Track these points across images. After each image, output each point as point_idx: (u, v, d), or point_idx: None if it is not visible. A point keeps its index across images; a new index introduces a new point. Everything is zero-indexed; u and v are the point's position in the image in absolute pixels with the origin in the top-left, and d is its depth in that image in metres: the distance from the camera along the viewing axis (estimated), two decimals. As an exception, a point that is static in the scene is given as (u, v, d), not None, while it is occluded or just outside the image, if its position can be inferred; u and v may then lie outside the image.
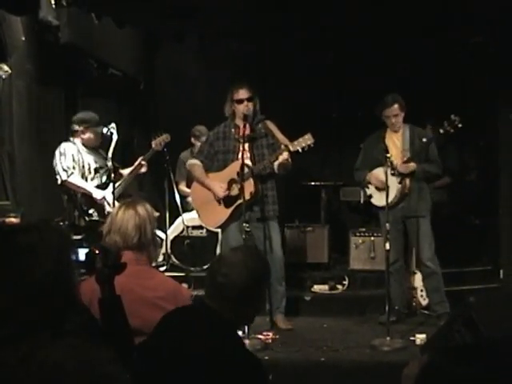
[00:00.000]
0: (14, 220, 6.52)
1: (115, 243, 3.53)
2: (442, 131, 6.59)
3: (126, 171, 7.14)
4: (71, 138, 6.99)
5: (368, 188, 7.05)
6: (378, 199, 6.94)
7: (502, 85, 7.50)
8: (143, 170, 7.14)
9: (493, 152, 7.90)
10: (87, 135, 6.96)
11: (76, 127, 6.95)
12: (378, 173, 6.84)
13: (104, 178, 7.01)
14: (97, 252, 2.71)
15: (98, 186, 6.94)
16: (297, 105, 9.03)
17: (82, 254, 2.66)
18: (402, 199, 6.87)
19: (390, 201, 6.70)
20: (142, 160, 7.09)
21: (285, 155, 6.39)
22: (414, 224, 6.91)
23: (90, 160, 6.97)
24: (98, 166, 7.01)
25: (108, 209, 6.76)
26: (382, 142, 6.94)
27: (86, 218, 6.82)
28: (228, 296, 2.89)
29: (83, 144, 6.96)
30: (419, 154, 6.80)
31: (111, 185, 6.79)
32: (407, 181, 6.84)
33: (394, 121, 6.93)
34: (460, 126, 6.49)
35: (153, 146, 7.21)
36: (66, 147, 6.89)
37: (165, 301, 3.42)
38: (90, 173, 6.96)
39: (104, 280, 2.71)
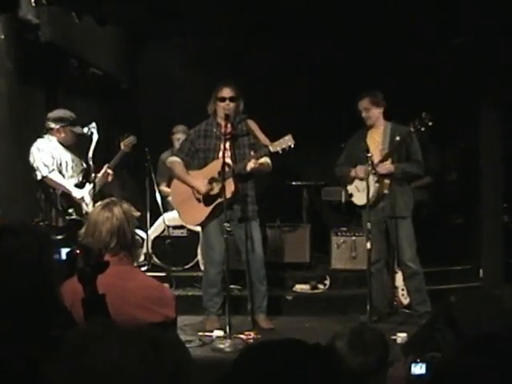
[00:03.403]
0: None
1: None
2: (412, 129, 6.61)
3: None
4: (46, 136, 6.81)
5: (350, 184, 6.99)
6: (358, 198, 6.95)
7: (483, 85, 7.56)
8: (109, 178, 6.95)
9: (473, 152, 7.93)
10: (63, 134, 6.79)
11: (52, 125, 6.77)
12: (362, 168, 6.81)
13: (80, 177, 6.88)
14: (78, 251, 2.67)
15: (75, 185, 6.83)
16: (280, 104, 9.03)
17: (63, 253, 2.64)
18: (381, 199, 6.85)
19: (366, 200, 6.75)
20: (108, 168, 6.91)
21: (251, 164, 6.44)
22: (394, 225, 6.87)
23: (67, 158, 6.83)
24: (74, 164, 6.88)
25: (85, 208, 6.71)
26: (363, 139, 6.94)
27: (66, 218, 6.69)
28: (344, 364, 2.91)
29: (59, 142, 6.81)
30: (395, 153, 6.77)
31: (87, 184, 6.75)
32: (386, 180, 6.81)
33: (365, 115, 6.90)
34: (430, 124, 6.48)
35: (122, 147, 7.08)
36: (43, 143, 6.73)
37: (149, 301, 3.39)
38: (67, 171, 6.81)
39: (86, 279, 2.67)
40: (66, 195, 6.75)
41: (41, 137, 6.82)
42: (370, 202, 6.75)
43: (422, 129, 6.57)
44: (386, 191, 6.83)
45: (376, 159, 6.76)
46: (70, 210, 6.75)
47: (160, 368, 1.49)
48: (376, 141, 6.93)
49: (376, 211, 6.85)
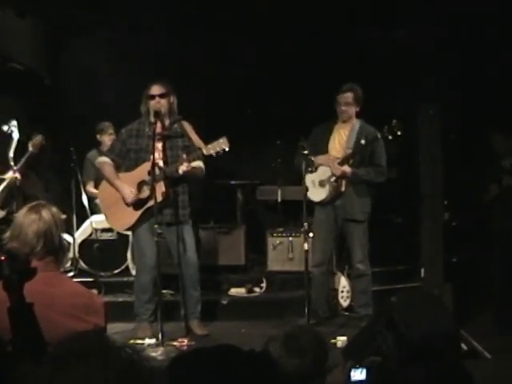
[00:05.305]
0: None
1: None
2: (379, 136, 6.58)
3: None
4: None
5: (309, 174, 6.82)
6: (313, 194, 6.85)
7: (422, 80, 7.56)
8: (17, 183, 6.75)
9: (413, 150, 7.95)
10: None
11: None
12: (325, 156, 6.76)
13: None
14: (3, 258, 2.55)
15: None
16: (212, 102, 8.93)
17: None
18: (336, 198, 6.79)
19: (323, 198, 6.77)
20: (14, 172, 6.73)
21: (183, 167, 6.27)
22: (348, 227, 6.85)
23: None
24: None
25: None
26: (328, 132, 6.89)
27: None
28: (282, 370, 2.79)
29: None
30: (357, 154, 6.70)
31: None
32: (343, 180, 6.75)
33: (344, 109, 6.80)
34: (399, 133, 6.46)
35: (30, 148, 6.90)
36: None
37: (77, 308, 3.24)
38: None
39: (13, 287, 2.55)
40: None
41: None
42: (326, 200, 6.76)
43: (390, 137, 6.56)
44: (343, 189, 6.77)
45: (338, 157, 6.70)
46: None
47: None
48: (341, 137, 6.87)
49: (328, 210, 6.83)
